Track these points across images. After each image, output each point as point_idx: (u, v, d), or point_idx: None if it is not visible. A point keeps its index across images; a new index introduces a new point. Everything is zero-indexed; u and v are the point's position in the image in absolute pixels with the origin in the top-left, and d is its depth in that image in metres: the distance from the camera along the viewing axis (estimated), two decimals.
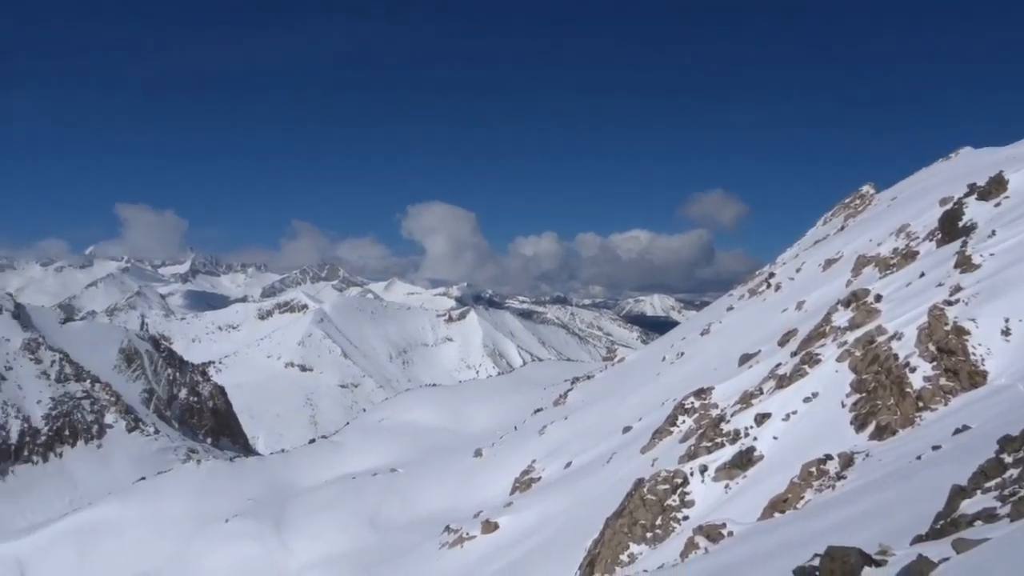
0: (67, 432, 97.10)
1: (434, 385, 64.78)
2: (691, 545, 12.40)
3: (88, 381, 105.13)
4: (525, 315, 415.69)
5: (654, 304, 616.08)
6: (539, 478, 28.21)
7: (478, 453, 36.55)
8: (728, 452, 16.52)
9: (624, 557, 15.06)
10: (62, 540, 36.75)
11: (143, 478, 49.08)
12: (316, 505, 34.76)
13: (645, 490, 16.40)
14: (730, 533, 12.02)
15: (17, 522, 79.30)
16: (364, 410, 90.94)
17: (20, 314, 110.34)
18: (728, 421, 17.81)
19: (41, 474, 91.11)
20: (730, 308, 41.84)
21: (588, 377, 47.39)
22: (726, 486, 15.52)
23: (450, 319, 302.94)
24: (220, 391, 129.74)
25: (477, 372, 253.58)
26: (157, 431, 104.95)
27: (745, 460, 15.99)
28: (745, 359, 25.26)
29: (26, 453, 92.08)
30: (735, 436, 17.02)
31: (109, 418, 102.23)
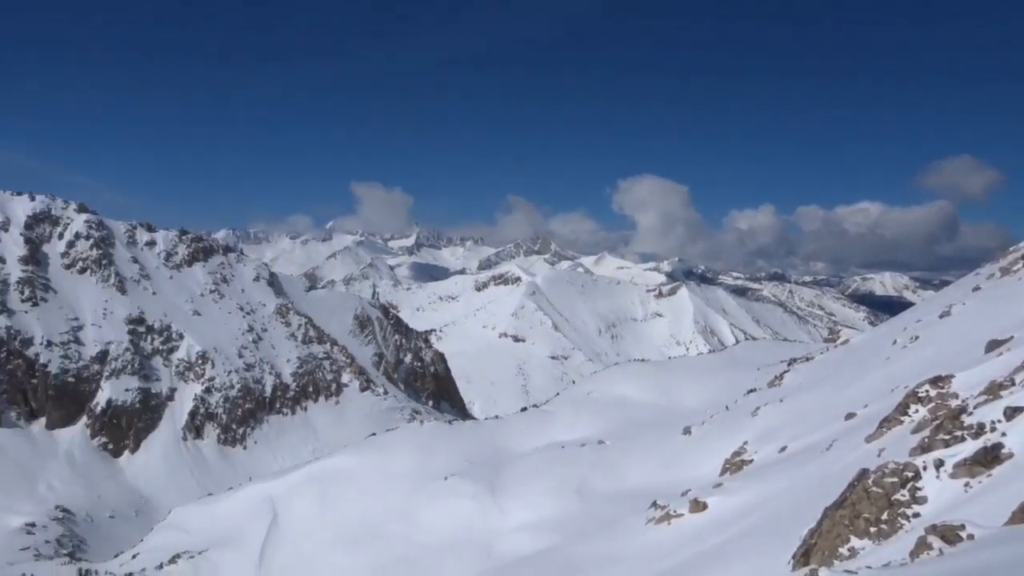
0: (311, 388, 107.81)
1: (643, 360, 64.51)
2: (923, 545, 11.44)
3: (328, 344, 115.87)
4: (739, 292, 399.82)
5: (884, 283, 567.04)
6: (751, 460, 27.23)
7: (687, 431, 35.95)
8: (969, 447, 14.97)
9: (844, 550, 14.22)
10: (307, 483, 40.98)
11: (373, 433, 53.53)
12: (527, 471, 35.99)
13: (870, 482, 15.31)
14: (970, 536, 10.94)
15: (270, 464, 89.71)
16: (573, 382, 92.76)
17: (274, 282, 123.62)
18: (971, 413, 16.12)
19: (289, 424, 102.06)
20: (976, 288, 37.60)
21: (807, 359, 44.83)
22: (966, 484, 14.12)
23: (660, 294, 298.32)
24: (441, 357, 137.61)
25: (687, 349, 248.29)
26: (386, 392, 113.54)
27: (990, 457, 14.41)
28: (994, 346, 22.64)
29: (278, 405, 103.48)
30: (979, 430, 15.38)
31: (345, 378, 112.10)
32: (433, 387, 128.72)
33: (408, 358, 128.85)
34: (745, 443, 29.67)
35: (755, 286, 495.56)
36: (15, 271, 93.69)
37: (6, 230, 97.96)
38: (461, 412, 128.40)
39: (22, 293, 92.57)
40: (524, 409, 51.77)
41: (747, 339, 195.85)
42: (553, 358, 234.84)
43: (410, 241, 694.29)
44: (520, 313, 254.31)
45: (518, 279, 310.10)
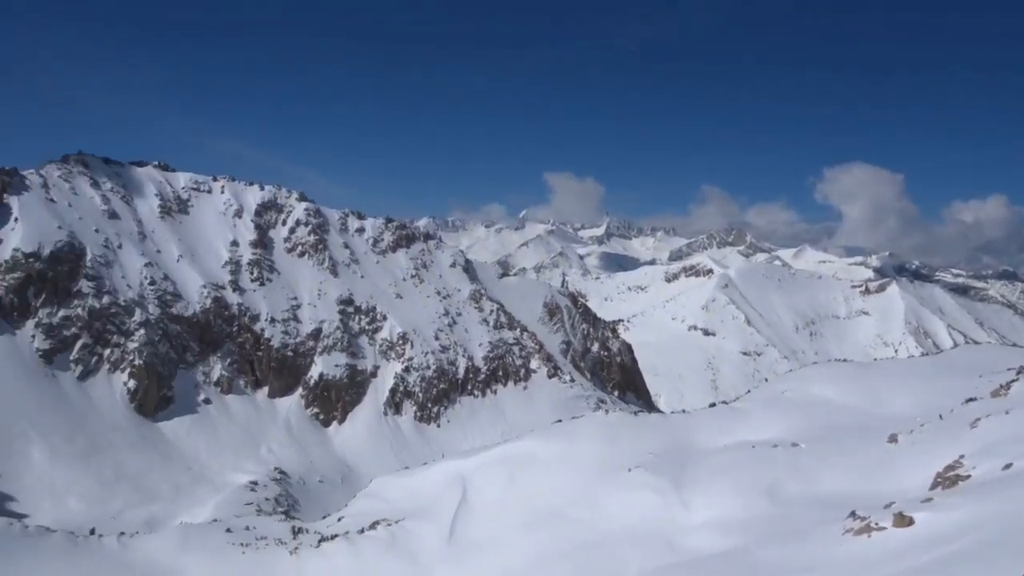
0: (500, 373, 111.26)
1: (844, 360, 60.50)
2: None
3: (518, 330, 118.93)
4: (959, 291, 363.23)
5: None
6: (968, 476, 24.79)
7: (893, 439, 33.35)
8: None
9: None
10: (496, 464, 42.47)
11: (559, 420, 54.42)
12: (714, 468, 35.05)
13: None
14: None
15: (461, 444, 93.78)
16: (766, 379, 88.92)
17: (468, 268, 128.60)
18: None
19: (480, 406, 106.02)
20: None
21: None
22: None
23: (867, 291, 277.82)
24: (628, 348, 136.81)
25: (896, 351, 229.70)
26: (572, 379, 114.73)
27: None
28: None
29: (469, 387, 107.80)
30: None
31: (534, 364, 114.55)
32: (619, 377, 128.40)
33: (595, 347, 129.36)
34: (961, 457, 27.08)
35: (980, 285, 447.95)
36: (247, 254, 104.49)
37: (240, 216, 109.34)
38: (647, 404, 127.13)
39: (252, 274, 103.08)
40: (713, 405, 50.32)
41: (967, 343, 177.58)
42: (745, 354, 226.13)
43: (600, 231, 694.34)
44: (711, 306, 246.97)
45: (710, 271, 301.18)
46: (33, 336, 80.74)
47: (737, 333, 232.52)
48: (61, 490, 68.41)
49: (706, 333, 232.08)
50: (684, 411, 50.18)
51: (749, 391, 55.36)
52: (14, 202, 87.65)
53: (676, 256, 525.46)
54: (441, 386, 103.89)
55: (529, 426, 78.03)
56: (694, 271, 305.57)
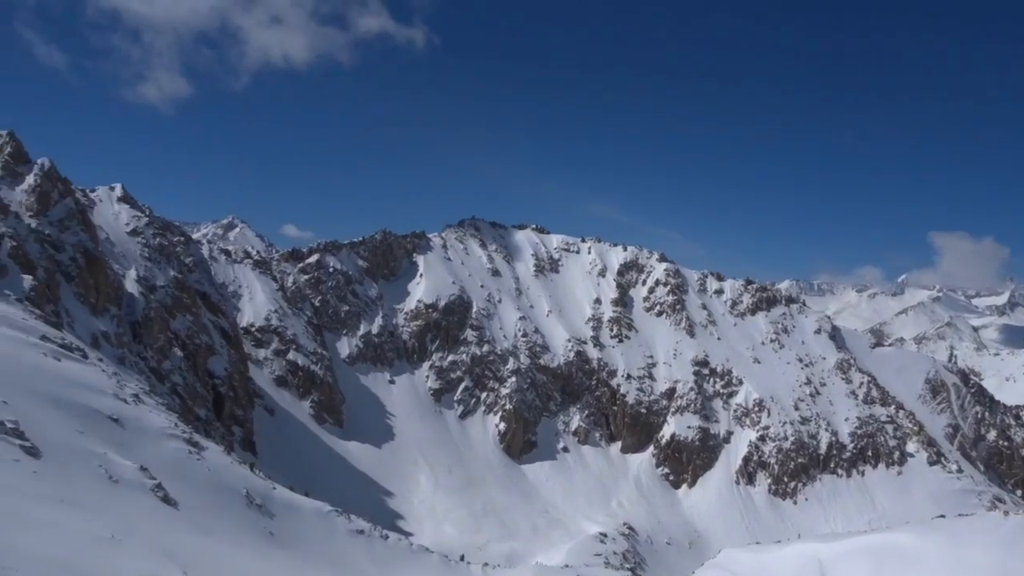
0: (869, 452, 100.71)
1: None
2: None
3: (892, 406, 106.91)
4: None
5: None
6: None
7: None
8: None
9: None
10: (861, 555, 38.32)
11: (942, 516, 47.48)
12: None
13: None
14: None
15: (820, 526, 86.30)
16: None
17: (835, 335, 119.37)
18: None
19: (844, 487, 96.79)
20: None
21: None
22: None
23: None
24: None
25: None
26: (960, 470, 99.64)
27: None
28: None
29: (832, 465, 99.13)
30: None
31: (911, 447, 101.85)
32: (1023, 474, 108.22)
33: (991, 435, 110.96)
34: None
35: None
36: (608, 311, 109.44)
37: (603, 276, 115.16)
38: None
39: (611, 330, 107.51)
40: None
41: None
42: None
43: (1002, 299, 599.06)
44: None
45: None
46: (427, 376, 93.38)
47: None
48: (440, 516, 77.16)
49: None
50: None
51: None
52: (421, 260, 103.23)
53: None
54: (800, 460, 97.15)
55: (902, 517, 69.23)
56: None
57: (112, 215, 69.05)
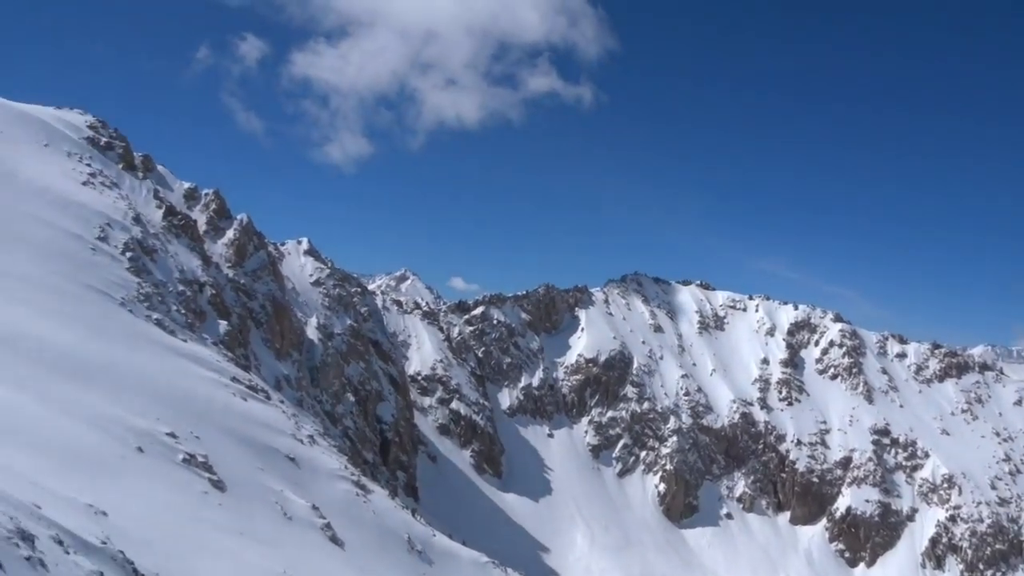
0: None
1: None
2: None
3: None
4: None
5: None
6: None
7: None
8: None
9: None
10: None
11: None
12: None
13: None
14: None
15: None
16: None
17: None
18: None
19: None
20: None
21: None
22: None
23: None
24: None
25: None
26: None
27: None
28: None
29: None
30: None
31: None
32: None
33: None
34: None
35: None
36: (776, 372, 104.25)
37: (772, 335, 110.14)
38: None
39: (780, 393, 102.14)
40: None
41: None
42: None
43: None
44: None
45: None
46: (586, 431, 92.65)
47: None
48: None
49: None
50: None
51: None
52: (582, 315, 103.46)
53: None
54: (998, 546, 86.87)
55: None
56: None
57: (298, 267, 74.72)
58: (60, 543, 13.82)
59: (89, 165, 50.23)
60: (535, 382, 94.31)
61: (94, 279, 37.55)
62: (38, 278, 34.10)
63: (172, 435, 26.08)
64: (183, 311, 44.40)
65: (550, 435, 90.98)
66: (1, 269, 32.82)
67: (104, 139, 54.87)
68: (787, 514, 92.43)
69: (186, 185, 63.17)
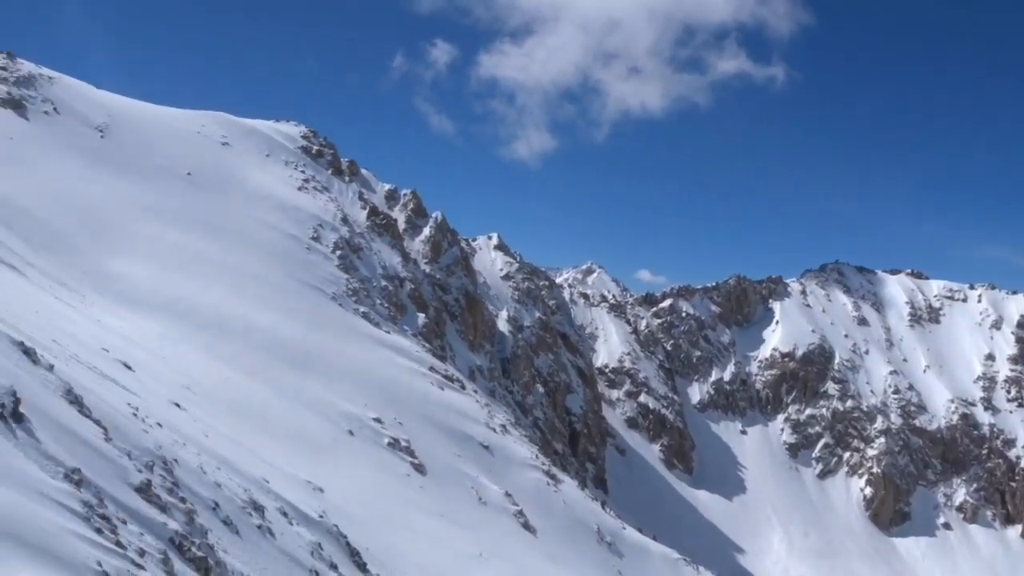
0: None
1: None
2: None
3: None
4: None
5: None
6: None
7: None
8: None
9: None
10: None
11: None
12: None
13: None
14: None
15: None
16: None
17: None
18: None
19: None
20: None
21: None
22: None
23: None
24: None
25: None
26: None
27: None
28: None
29: None
30: None
31: None
32: None
33: None
34: None
35: None
36: (1003, 369, 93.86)
37: (997, 328, 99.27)
38: None
39: (1009, 392, 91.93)
40: None
41: None
42: None
43: None
44: None
45: None
46: (782, 429, 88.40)
47: None
48: None
49: None
50: None
51: None
52: (777, 307, 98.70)
53: None
54: None
55: None
56: None
57: (489, 261, 77.34)
58: (285, 515, 15.38)
59: (303, 172, 54.98)
60: (726, 376, 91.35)
61: (309, 276, 41.13)
62: (263, 275, 37.89)
63: (378, 420, 28.07)
64: (386, 305, 47.51)
65: (743, 432, 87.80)
66: (234, 267, 36.81)
67: (315, 147, 59.79)
68: (1019, 527, 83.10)
69: (386, 187, 67.45)
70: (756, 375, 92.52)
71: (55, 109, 44.31)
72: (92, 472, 10.28)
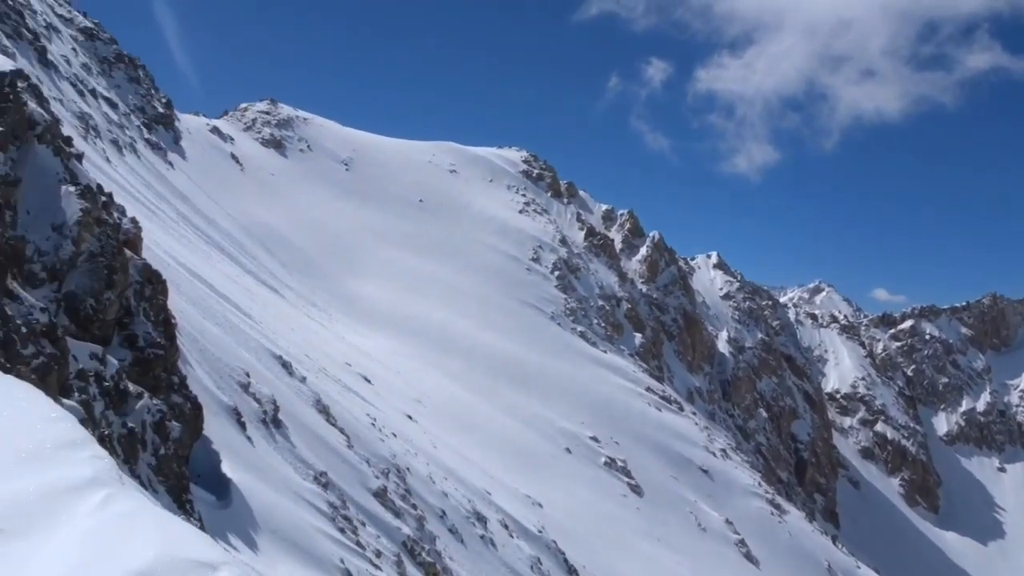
0: None
1: None
2: None
3: None
4: None
5: None
6: None
7: None
8: None
9: None
10: None
11: None
12: None
13: None
14: None
15: None
16: None
17: None
18: None
19: None
20: None
21: None
22: None
23: None
24: None
25: None
26: None
27: None
28: None
29: None
30: None
31: None
32: None
33: None
34: None
35: None
36: None
37: None
38: None
39: None
40: None
41: None
42: None
43: None
44: None
45: None
46: None
47: None
48: None
49: None
50: None
51: None
52: None
53: None
54: None
55: None
56: None
57: (708, 280, 75.31)
58: (505, 527, 15.97)
59: (524, 195, 57.05)
60: (980, 406, 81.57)
61: (529, 295, 42.52)
62: (486, 295, 39.76)
63: (595, 439, 28.28)
64: (603, 324, 47.84)
65: (1001, 469, 77.85)
66: (460, 288, 39.02)
67: (536, 171, 61.83)
68: None
69: (603, 207, 68.08)
70: (1018, 406, 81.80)
71: (308, 147, 49.79)
72: (337, 476, 11.38)
